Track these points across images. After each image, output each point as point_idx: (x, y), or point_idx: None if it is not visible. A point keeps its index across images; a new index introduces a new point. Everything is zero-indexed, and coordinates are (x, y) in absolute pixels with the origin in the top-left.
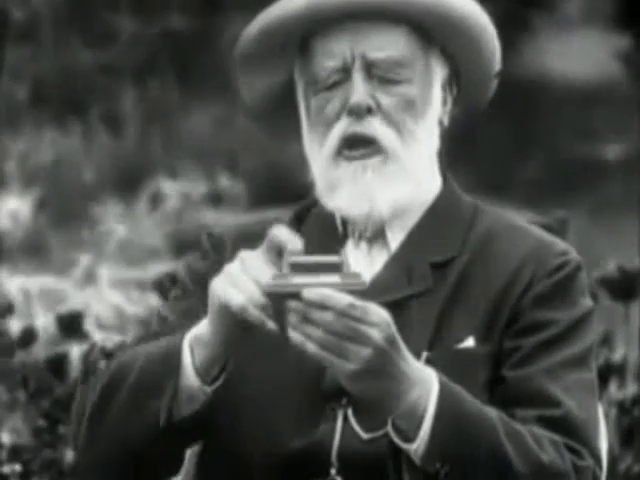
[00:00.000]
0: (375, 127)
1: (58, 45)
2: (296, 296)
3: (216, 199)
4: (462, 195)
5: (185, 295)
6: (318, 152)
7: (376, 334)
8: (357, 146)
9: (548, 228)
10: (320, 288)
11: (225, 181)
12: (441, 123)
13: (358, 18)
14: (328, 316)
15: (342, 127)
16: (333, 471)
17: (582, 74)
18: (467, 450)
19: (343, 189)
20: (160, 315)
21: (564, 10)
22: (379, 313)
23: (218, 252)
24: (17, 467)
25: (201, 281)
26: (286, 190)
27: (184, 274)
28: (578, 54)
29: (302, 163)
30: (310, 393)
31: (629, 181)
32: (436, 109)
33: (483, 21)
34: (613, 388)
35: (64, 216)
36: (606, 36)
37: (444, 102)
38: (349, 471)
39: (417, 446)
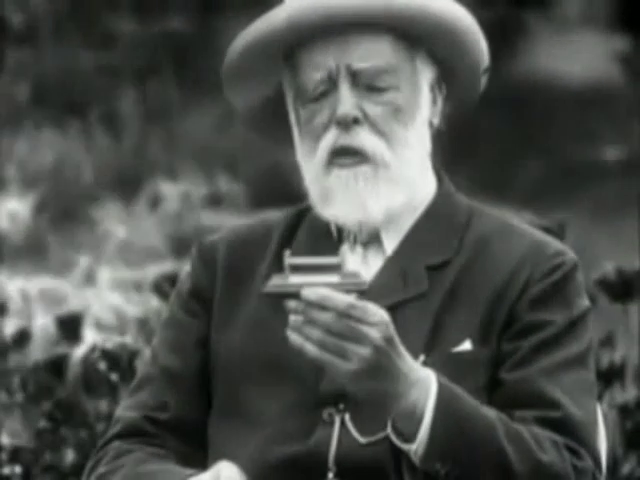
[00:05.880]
0: (362, 138)
1: (58, 47)
2: (296, 296)
3: (215, 200)
4: (457, 197)
5: (174, 322)
6: (309, 163)
7: (375, 334)
8: (347, 155)
9: (547, 230)
10: (319, 288)
11: (224, 182)
12: (431, 124)
13: (341, 29)
14: (327, 316)
15: (331, 139)
16: (330, 475)
17: (581, 76)
18: (466, 450)
19: (336, 198)
20: (152, 349)
21: (563, 13)
22: (378, 313)
23: (208, 263)
24: (17, 469)
25: (188, 303)
26: (285, 192)
27: (173, 299)
28: (577, 56)
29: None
30: (307, 398)
31: (628, 182)
32: (425, 112)
33: (467, 22)
34: (616, 390)
35: (63, 217)
36: (604, 38)
37: (434, 102)
38: (347, 475)
39: (416, 447)
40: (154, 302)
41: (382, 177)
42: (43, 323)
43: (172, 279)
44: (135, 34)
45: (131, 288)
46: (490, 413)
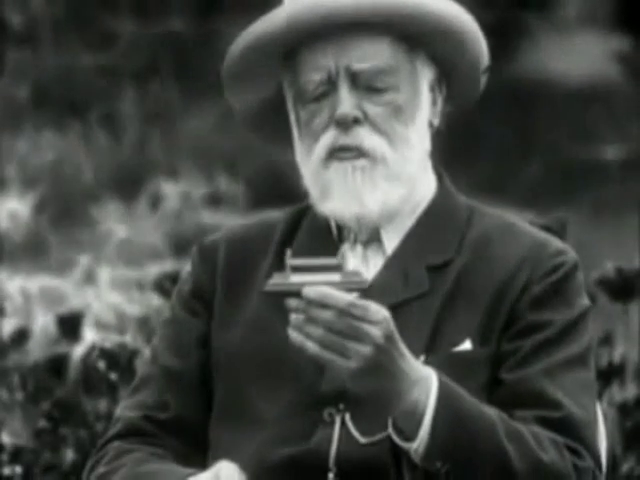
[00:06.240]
0: (363, 137)
1: (58, 47)
2: (297, 295)
3: (215, 200)
4: (457, 196)
5: (175, 322)
6: (308, 163)
7: (376, 332)
8: (346, 150)
9: (547, 229)
10: (320, 286)
11: (224, 182)
12: (431, 124)
13: (340, 30)
14: (328, 315)
15: (330, 139)
16: (331, 476)
17: (581, 75)
18: (467, 449)
19: (334, 191)
20: (152, 348)
21: (563, 12)
22: (379, 311)
23: (208, 263)
24: (18, 469)
25: (189, 303)
26: (285, 191)
27: (174, 299)
28: (577, 55)
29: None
30: (307, 398)
31: (628, 181)
32: (425, 112)
33: (465, 21)
34: (615, 389)
35: (64, 217)
36: (605, 37)
37: (433, 103)
38: (347, 476)
39: (417, 445)
40: (154, 301)
41: (380, 173)
42: (43, 322)
43: (173, 278)
44: (135, 35)
45: (131, 287)
46: (491, 412)
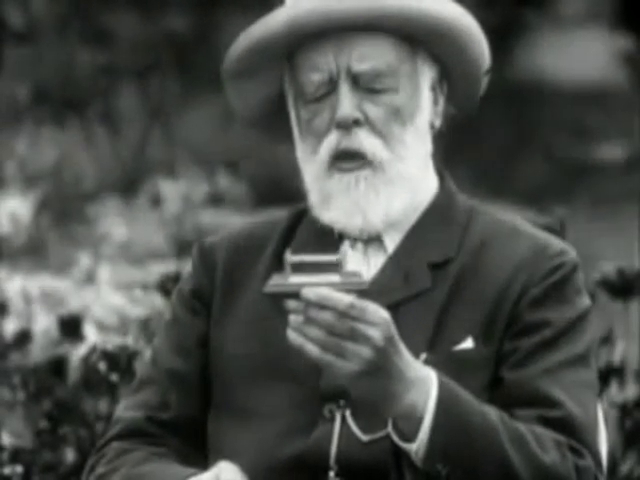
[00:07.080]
0: (362, 139)
1: (58, 45)
2: (296, 296)
3: (217, 199)
4: (458, 195)
5: (176, 322)
6: (310, 163)
7: (375, 334)
8: (348, 159)
9: (547, 228)
10: (320, 288)
11: (226, 181)
12: (432, 125)
13: (341, 31)
14: (328, 316)
15: (332, 142)
16: (332, 474)
17: (582, 74)
18: (467, 452)
19: (336, 202)
20: (153, 349)
21: (565, 11)
22: (378, 313)
23: (208, 264)
24: (18, 468)
25: (189, 303)
26: (287, 191)
27: (175, 299)
28: (578, 54)
29: None
30: (307, 395)
31: (629, 181)
32: (426, 113)
33: (467, 24)
34: (614, 389)
35: (64, 216)
36: (606, 36)
37: (435, 102)
38: (348, 474)
39: (417, 447)
40: (156, 301)
41: (382, 181)
42: (44, 323)
43: (175, 279)
44: (135, 33)
45: (132, 287)
46: (492, 413)
